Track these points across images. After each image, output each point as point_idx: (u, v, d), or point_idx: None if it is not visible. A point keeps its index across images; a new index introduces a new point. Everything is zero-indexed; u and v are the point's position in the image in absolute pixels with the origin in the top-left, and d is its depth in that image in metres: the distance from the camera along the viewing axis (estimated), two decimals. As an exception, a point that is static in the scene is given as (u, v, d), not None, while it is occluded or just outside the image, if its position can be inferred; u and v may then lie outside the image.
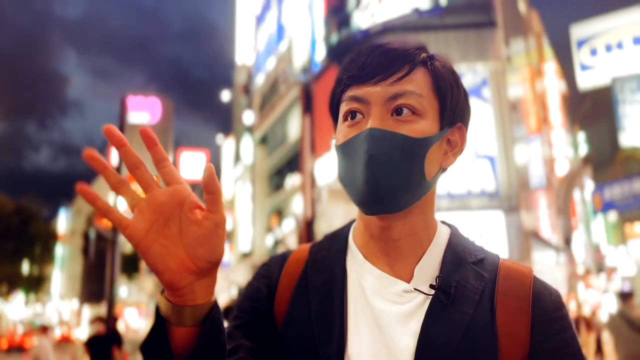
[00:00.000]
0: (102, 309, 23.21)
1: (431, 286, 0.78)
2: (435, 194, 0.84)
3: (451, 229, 0.87)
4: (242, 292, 0.92)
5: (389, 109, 0.76)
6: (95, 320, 8.31)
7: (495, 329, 0.74)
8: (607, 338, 11.91)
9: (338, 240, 0.89)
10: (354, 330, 0.78)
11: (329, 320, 0.78)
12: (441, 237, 0.84)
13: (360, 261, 0.83)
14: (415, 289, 0.78)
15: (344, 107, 0.80)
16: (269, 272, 0.90)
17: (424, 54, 0.80)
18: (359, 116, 0.78)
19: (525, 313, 0.76)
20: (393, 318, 0.77)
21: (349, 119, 0.79)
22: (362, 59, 0.78)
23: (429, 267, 0.80)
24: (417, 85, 0.77)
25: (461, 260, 0.81)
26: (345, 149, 0.78)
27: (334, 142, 0.84)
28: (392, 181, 0.74)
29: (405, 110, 0.76)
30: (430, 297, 0.77)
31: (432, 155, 0.78)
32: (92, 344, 7.54)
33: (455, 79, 0.82)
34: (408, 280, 0.79)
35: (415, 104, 0.76)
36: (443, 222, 0.88)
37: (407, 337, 0.75)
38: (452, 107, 0.81)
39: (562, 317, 0.77)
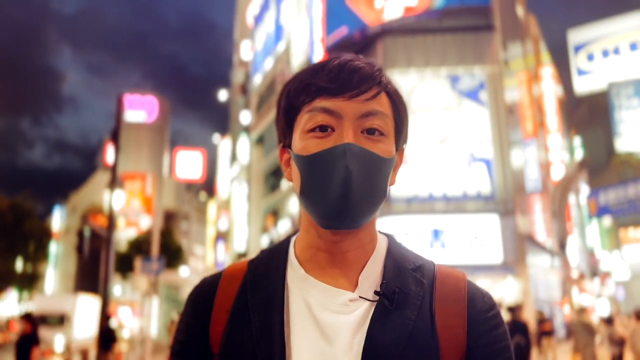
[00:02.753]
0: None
1: (376, 292, 0.80)
2: None
3: (388, 238, 0.90)
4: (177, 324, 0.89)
5: (360, 126, 0.78)
6: (22, 318, 7.77)
7: (436, 332, 0.78)
8: (599, 342, 11.93)
9: (277, 255, 0.87)
10: (297, 345, 0.78)
11: (270, 338, 0.77)
12: (381, 247, 0.87)
13: (303, 276, 0.83)
14: (360, 296, 0.80)
15: (310, 117, 0.79)
16: (200, 297, 0.87)
17: (384, 77, 0.83)
18: (329, 129, 0.78)
19: (462, 315, 0.80)
20: (341, 328, 0.78)
21: (316, 130, 0.78)
22: (333, 72, 0.78)
23: (372, 275, 0.82)
24: (383, 107, 0.80)
25: (401, 268, 0.84)
26: (315, 161, 0.77)
27: (291, 150, 0.82)
28: (364, 198, 0.76)
29: (376, 130, 0.79)
30: (375, 303, 0.79)
31: (390, 174, 0.82)
32: (18, 344, 7.24)
33: (404, 104, 0.86)
34: (353, 289, 0.81)
35: (383, 124, 0.79)
36: (380, 232, 0.90)
37: (357, 345, 0.76)
38: (405, 131, 0.86)
39: (494, 316, 0.82)
